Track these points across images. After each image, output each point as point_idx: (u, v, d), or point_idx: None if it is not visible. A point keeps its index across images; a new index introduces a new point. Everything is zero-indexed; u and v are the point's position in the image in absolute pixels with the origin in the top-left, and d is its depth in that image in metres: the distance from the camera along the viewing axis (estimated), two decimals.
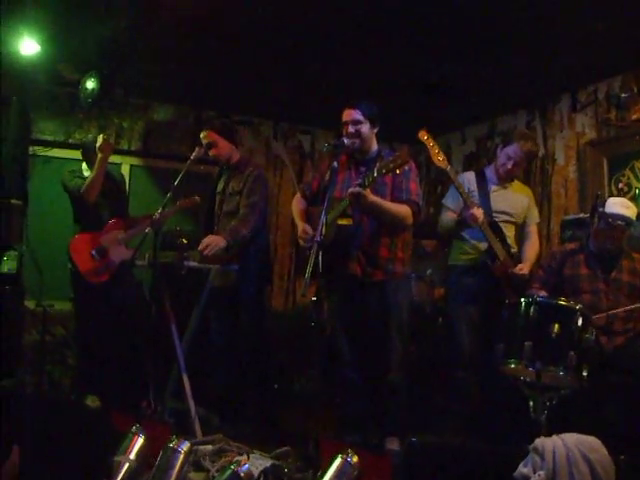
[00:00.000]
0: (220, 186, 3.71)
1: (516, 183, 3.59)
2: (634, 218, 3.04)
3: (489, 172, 3.53)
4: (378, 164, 2.88)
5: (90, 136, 4.75)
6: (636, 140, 4.36)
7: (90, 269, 3.80)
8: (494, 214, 3.37)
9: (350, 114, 3.13)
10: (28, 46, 3.92)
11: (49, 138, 4.88)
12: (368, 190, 2.89)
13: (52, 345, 4.52)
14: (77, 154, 4.88)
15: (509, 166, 3.39)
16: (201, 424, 3.10)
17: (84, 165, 4.08)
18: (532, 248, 3.47)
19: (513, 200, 3.47)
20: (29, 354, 4.27)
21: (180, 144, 5.31)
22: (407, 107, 4.84)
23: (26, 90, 4.19)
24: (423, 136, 3.19)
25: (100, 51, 4.14)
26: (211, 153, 3.61)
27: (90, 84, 4.25)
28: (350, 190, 2.89)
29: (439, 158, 3.16)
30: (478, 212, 3.15)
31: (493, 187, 3.47)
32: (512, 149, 3.38)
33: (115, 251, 3.82)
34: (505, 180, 3.49)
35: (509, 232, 3.43)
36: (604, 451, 1.83)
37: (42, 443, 2.18)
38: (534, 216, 3.57)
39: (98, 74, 4.24)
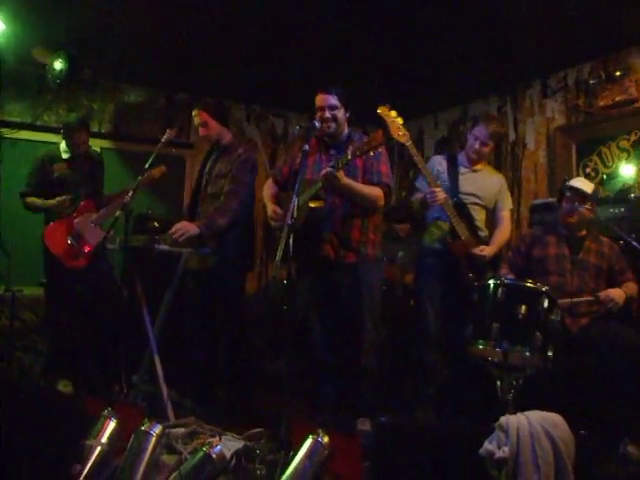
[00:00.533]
0: (208, 166, 3.64)
1: (488, 168, 3.64)
2: (591, 193, 3.11)
3: (460, 156, 3.58)
4: (352, 146, 2.89)
5: (73, 115, 4.68)
6: (603, 126, 4.45)
7: (68, 255, 3.77)
8: (462, 196, 3.42)
9: (326, 99, 3.13)
10: None
11: (16, 120, 4.78)
12: (341, 172, 2.91)
13: (22, 331, 4.47)
14: (45, 136, 4.82)
15: (476, 146, 3.45)
16: (174, 407, 3.09)
17: (63, 145, 4.01)
18: (501, 233, 3.51)
19: (482, 184, 3.51)
20: None
21: (151, 126, 5.25)
22: (380, 91, 4.85)
23: None
24: (383, 111, 3.20)
25: (69, 31, 4.07)
26: (201, 133, 3.55)
27: (58, 65, 4.18)
28: (324, 171, 2.90)
29: (399, 133, 3.17)
30: (438, 190, 3.18)
31: (462, 170, 3.52)
32: (478, 129, 3.45)
33: (90, 233, 3.79)
34: (475, 162, 3.53)
35: (478, 216, 3.48)
36: (566, 427, 1.90)
37: (13, 428, 2.16)
38: (506, 202, 3.60)
39: (66, 55, 4.16)
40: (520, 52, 4.31)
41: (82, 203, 3.89)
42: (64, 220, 3.85)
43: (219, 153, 3.59)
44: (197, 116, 3.52)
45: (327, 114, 3.12)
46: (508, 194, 3.65)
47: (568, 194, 3.24)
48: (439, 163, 3.56)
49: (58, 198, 3.84)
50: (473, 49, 4.28)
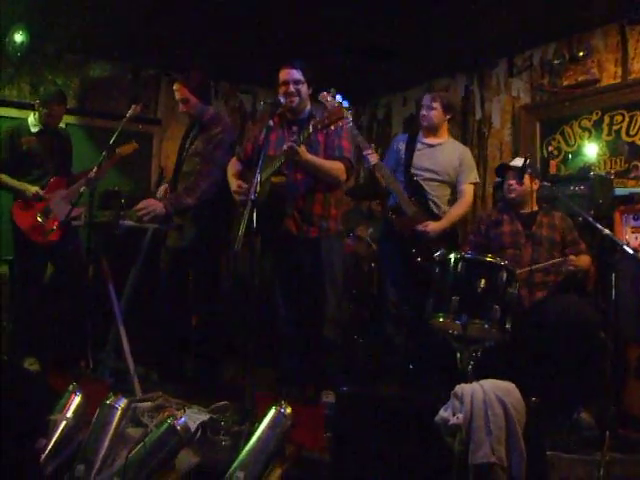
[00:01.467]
0: (186, 143, 3.60)
1: (449, 143, 3.66)
2: (522, 166, 3.15)
3: (420, 134, 3.64)
4: (313, 121, 2.90)
5: (52, 87, 4.55)
6: (567, 106, 4.53)
7: (37, 231, 3.74)
8: (417, 171, 3.49)
9: (290, 73, 3.12)
10: None
11: None
12: (302, 147, 2.92)
13: None
14: (8, 111, 4.72)
15: (423, 112, 3.55)
16: (140, 382, 3.12)
17: (31, 119, 3.92)
18: (457, 207, 3.57)
19: (440, 159, 3.55)
20: None
21: (118, 102, 5.17)
22: (348, 69, 4.86)
23: None
24: (324, 97, 3.21)
25: (31, 2, 3.97)
26: (180, 109, 3.50)
27: (19, 37, 4.09)
28: (285, 146, 2.91)
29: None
30: (371, 153, 3.24)
31: (419, 146, 3.58)
32: (424, 98, 3.58)
33: (59, 210, 3.74)
34: (428, 133, 3.59)
35: (437, 192, 3.53)
36: (518, 394, 1.97)
37: None
38: (468, 176, 3.61)
39: (27, 27, 4.06)
40: (487, 31, 4.34)
41: (52, 179, 3.83)
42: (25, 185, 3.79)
43: (198, 130, 3.55)
44: (178, 91, 3.46)
45: (291, 88, 3.11)
46: (471, 167, 3.66)
47: (503, 175, 3.39)
48: (398, 141, 3.65)
49: (30, 188, 3.76)
50: (441, 26, 4.30)
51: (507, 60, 4.92)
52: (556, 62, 4.52)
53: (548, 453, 2.13)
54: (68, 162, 4.09)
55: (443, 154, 3.58)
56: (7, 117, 4.66)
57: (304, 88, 3.15)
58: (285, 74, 3.14)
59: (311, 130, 2.86)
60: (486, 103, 5.10)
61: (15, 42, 4.06)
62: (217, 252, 3.56)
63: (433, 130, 3.59)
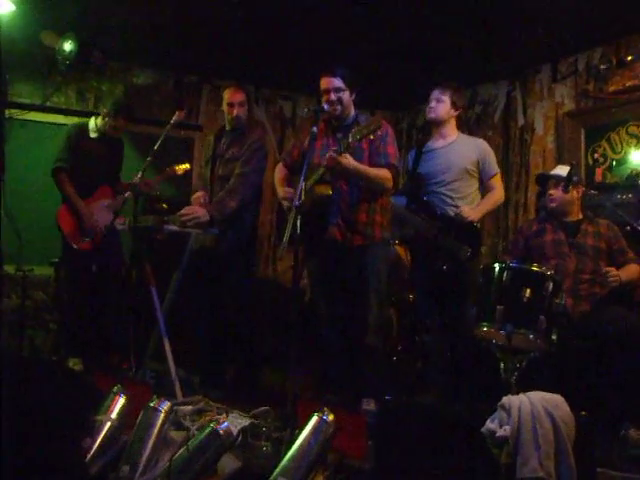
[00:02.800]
0: (221, 148, 3.64)
1: (460, 139, 3.55)
2: (566, 175, 3.09)
3: (428, 144, 3.59)
4: (354, 129, 2.90)
5: (121, 97, 4.63)
6: (613, 112, 4.42)
7: (76, 236, 3.82)
8: (429, 181, 3.45)
9: (331, 82, 3.13)
10: (2, 5, 3.83)
11: (26, 101, 4.79)
12: (346, 155, 2.91)
13: (32, 310, 4.54)
14: (55, 118, 4.84)
15: (431, 104, 3.46)
16: (181, 385, 3.15)
17: (92, 124, 4.02)
18: (487, 198, 3.48)
19: (453, 158, 3.45)
20: (9, 319, 4.28)
21: (160, 108, 5.26)
22: (389, 74, 4.84)
23: (1, 50, 4.11)
24: None
25: (77, 12, 4.07)
26: (235, 112, 3.53)
27: (68, 46, 4.19)
28: (327, 155, 2.91)
29: None
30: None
31: (428, 155, 3.51)
32: (433, 92, 3.48)
33: (101, 218, 3.82)
34: (437, 134, 3.52)
35: (453, 193, 3.43)
36: (566, 408, 1.93)
37: (25, 404, 2.21)
38: (491, 169, 3.51)
39: (76, 36, 4.17)
40: (531, 36, 4.27)
41: (100, 188, 3.91)
42: (85, 206, 3.89)
43: (234, 136, 3.59)
44: (235, 95, 3.51)
45: (332, 96, 3.11)
46: (492, 159, 3.54)
47: (544, 184, 3.33)
48: (409, 158, 3.64)
49: (84, 208, 3.84)
50: (483, 32, 4.25)
51: (551, 65, 4.83)
52: (602, 67, 4.42)
53: (598, 470, 2.07)
54: (118, 171, 4.16)
55: (456, 152, 3.47)
56: (55, 123, 4.79)
57: (346, 95, 3.15)
58: (326, 82, 3.15)
59: (351, 140, 2.85)
60: (529, 109, 5.01)
61: (64, 51, 4.17)
62: (252, 255, 3.58)
63: (441, 126, 3.50)
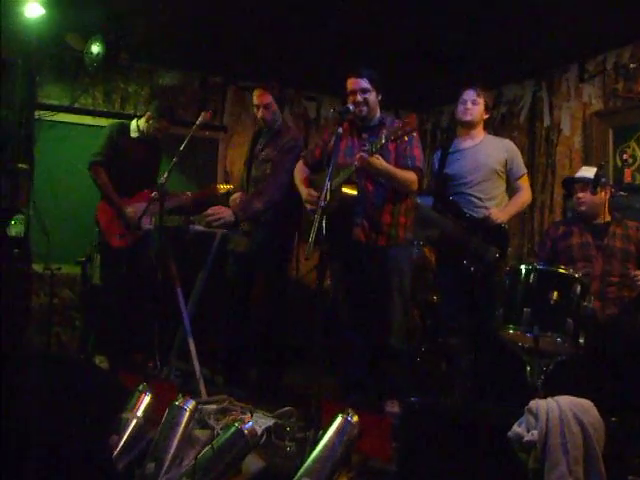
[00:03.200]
0: (256, 149, 3.67)
1: (488, 139, 3.55)
2: (594, 177, 3.02)
3: (455, 142, 3.57)
4: (386, 131, 2.89)
5: (165, 103, 4.53)
6: None
7: (114, 233, 3.88)
8: (451, 184, 3.43)
9: (357, 83, 3.13)
10: (33, 9, 3.90)
11: (55, 102, 4.87)
12: (378, 156, 2.92)
13: (60, 308, 4.62)
14: (83, 119, 4.92)
15: (468, 106, 3.44)
16: (206, 384, 3.17)
17: (134, 124, 4.07)
18: (515, 199, 3.47)
19: (481, 158, 3.43)
20: (37, 316, 4.36)
21: (186, 109, 5.30)
22: (413, 75, 4.81)
23: (31, 53, 4.18)
24: None
25: (105, 15, 4.12)
26: (261, 114, 3.55)
27: (95, 48, 4.25)
28: (359, 155, 2.90)
29: None
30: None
31: (455, 155, 3.49)
32: (465, 93, 3.46)
33: (147, 220, 3.86)
34: (467, 134, 3.50)
35: (482, 194, 3.41)
36: (596, 413, 1.89)
37: (51, 400, 2.25)
38: (519, 169, 3.51)
39: (103, 38, 4.22)
40: (557, 35, 4.21)
41: (140, 192, 3.95)
42: (121, 200, 3.94)
43: (270, 137, 3.60)
44: (261, 97, 3.52)
45: (359, 97, 3.12)
46: (520, 159, 3.55)
47: (570, 187, 3.27)
48: (434, 160, 3.61)
49: (129, 212, 3.87)
50: (509, 31, 4.20)
51: (578, 65, 4.76)
52: (632, 66, 4.34)
53: (629, 478, 2.03)
54: (156, 172, 4.20)
55: (484, 153, 3.46)
56: (82, 124, 4.86)
57: (372, 96, 3.15)
58: (352, 83, 3.15)
59: (384, 141, 2.84)
60: (555, 110, 4.94)
61: (92, 53, 4.22)
62: (284, 257, 3.59)
63: (472, 127, 3.49)
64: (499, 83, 5.32)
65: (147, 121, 4.02)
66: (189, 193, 3.99)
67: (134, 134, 4.05)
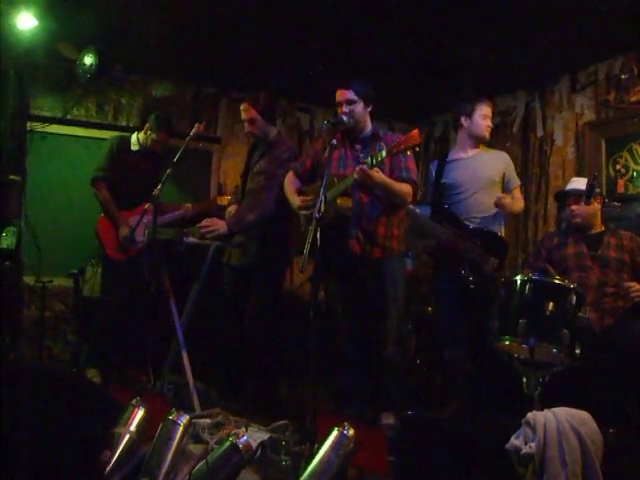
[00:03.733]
0: (252, 161, 3.66)
1: (484, 151, 3.58)
2: (586, 188, 3.03)
3: (452, 152, 3.60)
4: (388, 145, 2.89)
5: (163, 116, 4.38)
6: (635, 122, 4.36)
7: (114, 246, 3.87)
8: (449, 194, 3.44)
9: (343, 94, 3.15)
10: (25, 20, 3.89)
11: (47, 114, 4.84)
12: (378, 170, 2.92)
13: (51, 320, 4.57)
14: (75, 130, 4.90)
15: (489, 123, 3.47)
16: (199, 398, 3.14)
17: (134, 138, 4.07)
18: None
19: (480, 168, 3.46)
20: (28, 329, 4.31)
21: (179, 120, 5.29)
22: (406, 86, 4.83)
23: (23, 64, 4.17)
24: None
25: (98, 27, 4.12)
26: (246, 129, 3.55)
27: (88, 60, 4.24)
28: (359, 168, 2.89)
29: None
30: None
31: (454, 164, 3.51)
32: (484, 108, 3.48)
33: (139, 232, 3.84)
34: (473, 145, 3.51)
35: (480, 204, 3.42)
36: (593, 425, 1.88)
37: (43, 414, 2.22)
38: (515, 180, 3.57)
39: (96, 50, 4.21)
40: (549, 46, 4.24)
41: (145, 205, 3.93)
42: (122, 213, 3.93)
43: (264, 150, 3.59)
44: (245, 111, 3.50)
45: (345, 109, 3.13)
46: (513, 171, 3.60)
47: (563, 200, 3.30)
48: (431, 169, 3.63)
49: (124, 231, 3.86)
50: (501, 43, 4.23)
51: (570, 76, 4.79)
52: (623, 77, 4.37)
53: None
54: (157, 185, 4.17)
55: (483, 163, 3.50)
56: (75, 136, 4.84)
57: (358, 108, 3.15)
58: (338, 95, 3.18)
59: (385, 155, 2.84)
60: (548, 120, 4.97)
61: (85, 64, 4.21)
62: (279, 269, 3.57)
63: (483, 142, 3.54)
64: (492, 94, 5.33)
65: (145, 133, 4.02)
66: (189, 205, 3.96)
67: (135, 147, 4.05)
